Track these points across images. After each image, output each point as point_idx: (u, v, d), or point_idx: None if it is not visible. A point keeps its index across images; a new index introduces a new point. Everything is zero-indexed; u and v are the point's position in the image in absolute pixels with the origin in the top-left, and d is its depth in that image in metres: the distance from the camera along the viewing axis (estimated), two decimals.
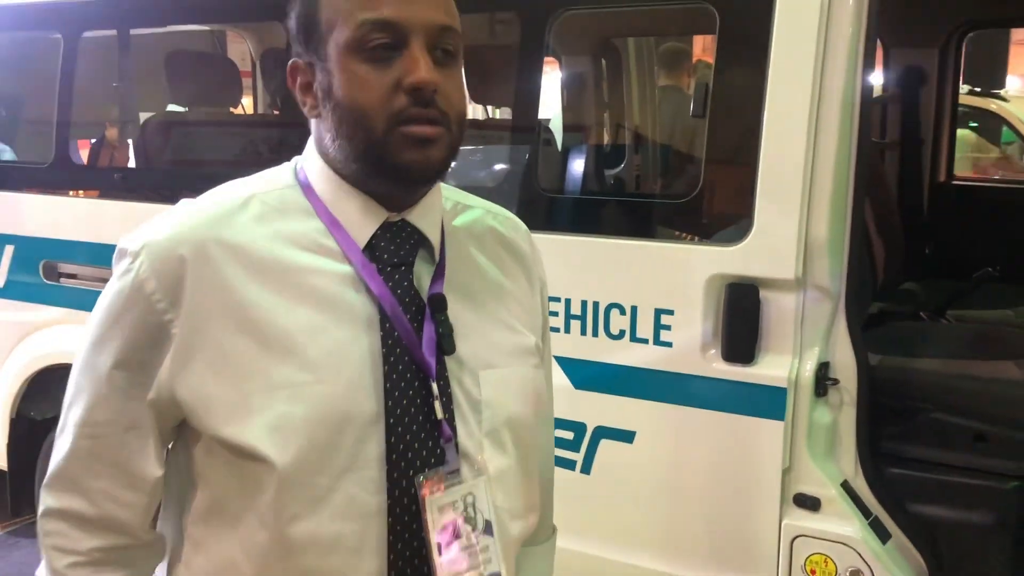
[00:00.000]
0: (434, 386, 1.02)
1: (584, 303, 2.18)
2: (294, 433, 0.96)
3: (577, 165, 2.83)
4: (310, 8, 1.00)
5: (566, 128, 3.34)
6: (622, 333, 2.15)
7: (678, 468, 2.14)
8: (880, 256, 3.06)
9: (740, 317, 2.01)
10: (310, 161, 1.06)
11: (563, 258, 2.22)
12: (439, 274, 1.07)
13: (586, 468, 2.23)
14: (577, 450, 2.23)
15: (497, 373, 1.08)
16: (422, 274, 1.06)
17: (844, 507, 2.01)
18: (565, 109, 3.45)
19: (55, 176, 3.19)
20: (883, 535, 2.03)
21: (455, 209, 1.15)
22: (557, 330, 2.21)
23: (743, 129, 2.02)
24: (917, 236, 3.48)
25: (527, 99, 2.34)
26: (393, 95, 0.95)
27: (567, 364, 2.21)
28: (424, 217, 1.07)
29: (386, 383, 1.00)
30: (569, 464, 2.24)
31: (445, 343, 1.03)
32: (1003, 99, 6.08)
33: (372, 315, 1.01)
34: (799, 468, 2.02)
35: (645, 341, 2.12)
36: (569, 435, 2.23)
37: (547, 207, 2.34)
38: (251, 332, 0.97)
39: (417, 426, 1.01)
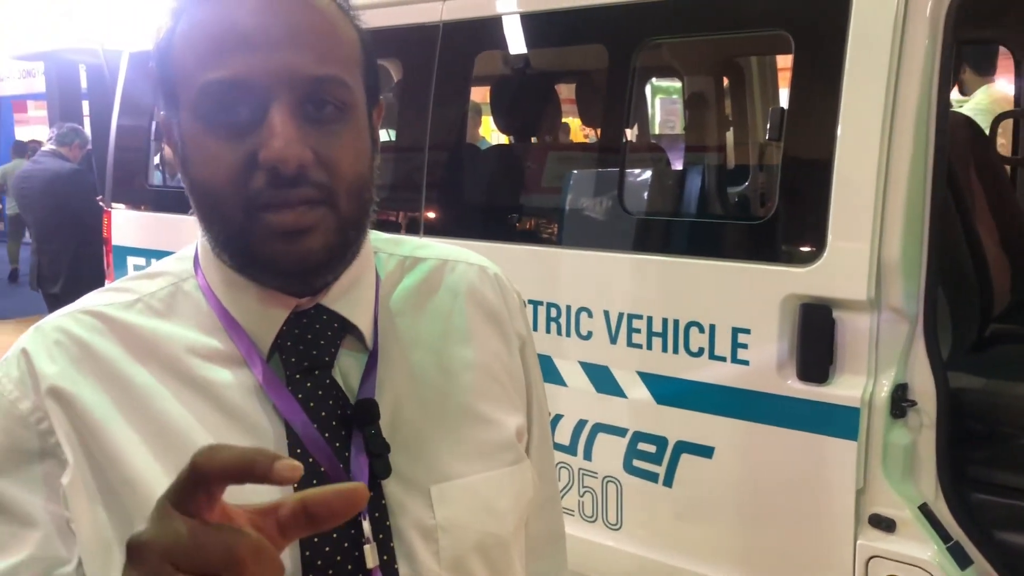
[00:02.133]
0: (365, 525, 0.79)
1: (665, 321, 2.26)
2: None
3: (659, 187, 2.90)
4: (164, 51, 0.80)
5: (651, 151, 3.40)
6: (701, 351, 2.21)
7: (755, 484, 2.17)
8: (1005, 277, 2.95)
9: (814, 337, 2.03)
10: (200, 243, 0.86)
11: (645, 277, 2.31)
12: (370, 369, 0.85)
13: (667, 481, 2.29)
14: (659, 463, 2.30)
15: (457, 485, 0.85)
16: (350, 372, 0.84)
17: (921, 530, 1.99)
18: (651, 133, 3.51)
19: None
20: (963, 561, 1.99)
21: (401, 267, 0.93)
22: (640, 346, 2.30)
23: (817, 150, 2.05)
24: None
25: (614, 123, 2.44)
26: (249, 174, 0.75)
27: (649, 379, 2.30)
28: (346, 296, 0.85)
29: None
30: (652, 477, 2.32)
31: (377, 465, 0.80)
32: None
33: (281, 437, 0.80)
34: (874, 489, 2.02)
35: (723, 359, 2.18)
36: (652, 448, 2.31)
37: (633, 229, 2.43)
38: (117, 487, 0.78)
39: None
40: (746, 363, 2.14)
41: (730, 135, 3.70)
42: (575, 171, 2.60)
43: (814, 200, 2.04)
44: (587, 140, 4.08)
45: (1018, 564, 2.00)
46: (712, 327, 2.18)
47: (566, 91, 3.36)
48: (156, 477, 0.77)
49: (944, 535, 2.00)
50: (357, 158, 0.79)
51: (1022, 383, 2.32)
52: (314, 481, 0.77)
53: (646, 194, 2.71)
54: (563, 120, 3.37)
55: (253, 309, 0.83)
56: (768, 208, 2.17)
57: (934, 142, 1.95)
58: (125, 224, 3.74)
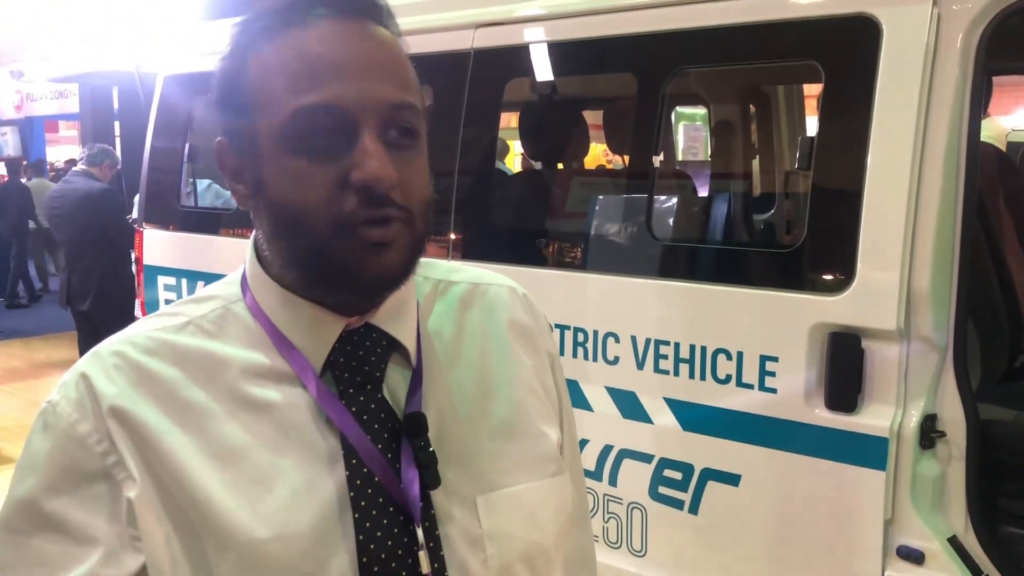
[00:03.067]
0: (418, 532, 0.83)
1: (692, 347, 2.26)
2: None
3: (688, 214, 2.91)
4: (234, 81, 0.83)
5: (679, 178, 3.41)
6: (728, 378, 2.21)
7: (781, 513, 2.16)
8: None
9: (842, 366, 2.03)
10: (250, 266, 0.90)
11: (673, 304, 2.31)
12: (416, 385, 0.88)
13: (693, 508, 2.29)
14: (685, 490, 2.30)
15: (502, 495, 0.88)
16: (398, 388, 0.88)
17: (950, 562, 1.98)
18: (680, 160, 3.53)
19: None
20: None
21: (435, 290, 0.98)
22: (666, 372, 2.30)
23: (847, 181, 2.05)
24: None
25: (643, 150, 2.45)
26: (340, 195, 0.78)
27: (676, 406, 2.30)
28: (394, 317, 0.89)
29: (358, 535, 0.81)
30: (678, 504, 2.31)
31: (427, 476, 0.84)
32: None
33: (335, 450, 0.83)
34: (903, 520, 2.01)
35: (750, 387, 2.17)
36: (678, 475, 2.31)
37: (660, 255, 2.43)
38: (182, 504, 0.81)
39: None
40: (774, 391, 2.14)
41: (756, 162, 3.71)
42: (602, 196, 2.62)
43: (844, 229, 2.04)
44: (611, 166, 4.10)
45: None
46: (740, 354, 2.18)
47: (592, 117, 3.38)
48: (219, 495, 0.80)
49: (974, 568, 1.98)
50: (426, 182, 0.84)
51: None
52: (369, 490, 0.82)
53: (674, 220, 2.72)
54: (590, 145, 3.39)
55: (307, 328, 0.86)
56: (797, 236, 2.17)
57: (964, 172, 1.95)
58: (156, 244, 3.79)
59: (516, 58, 2.71)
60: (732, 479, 2.22)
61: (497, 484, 0.89)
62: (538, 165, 3.29)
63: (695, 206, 3.05)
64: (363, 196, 0.78)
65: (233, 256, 3.45)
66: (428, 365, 0.91)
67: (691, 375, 2.27)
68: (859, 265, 2.01)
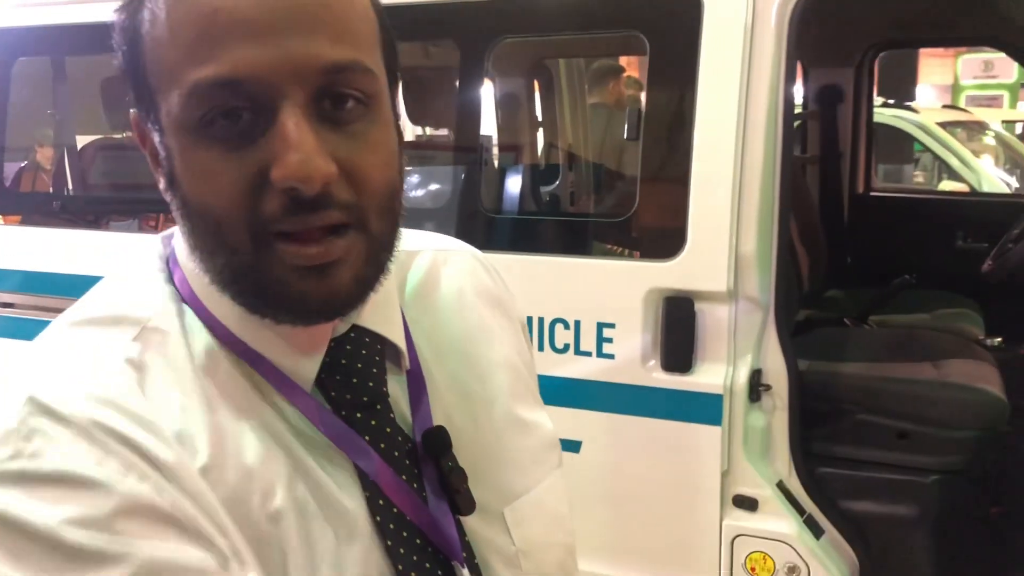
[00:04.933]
0: (464, 572, 0.71)
1: (530, 319, 2.27)
2: None
3: (519, 186, 2.92)
4: (130, 41, 0.64)
5: (514, 150, 3.42)
6: (567, 347, 2.23)
7: (623, 475, 2.23)
8: (804, 266, 3.22)
9: (677, 329, 2.11)
10: (188, 264, 0.69)
11: (510, 276, 2.30)
12: (419, 392, 0.74)
13: None
14: None
15: (526, 502, 0.78)
16: (398, 398, 0.74)
17: (780, 506, 2.12)
18: (509, 131, 3.54)
19: None
20: (817, 531, 2.14)
21: (402, 266, 0.81)
22: None
23: (675, 149, 2.13)
24: (838, 246, 3.66)
25: (469, 122, 2.42)
26: (259, 195, 0.60)
27: None
28: (382, 313, 0.74)
29: None
30: None
31: (461, 501, 0.71)
32: (914, 111, 6.37)
33: (354, 490, 0.68)
34: (737, 470, 2.13)
35: (588, 354, 2.21)
36: None
37: (491, 227, 2.42)
38: None
39: None
40: (612, 357, 2.19)
41: (586, 133, 3.77)
42: (429, 169, 2.56)
43: (674, 198, 2.11)
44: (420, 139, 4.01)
45: (859, 528, 2.18)
46: (577, 323, 2.21)
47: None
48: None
49: (799, 509, 2.14)
50: (387, 163, 0.65)
51: (845, 362, 2.53)
52: (405, 534, 0.68)
53: (506, 193, 2.71)
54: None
55: (285, 342, 0.68)
56: (630, 205, 2.23)
57: (781, 143, 2.08)
58: None
59: None
60: (573, 446, 2.25)
61: (518, 490, 0.78)
62: None
63: (527, 177, 3.06)
64: (288, 200, 0.59)
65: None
66: (423, 362, 0.77)
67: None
68: (689, 232, 2.09)
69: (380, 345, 0.73)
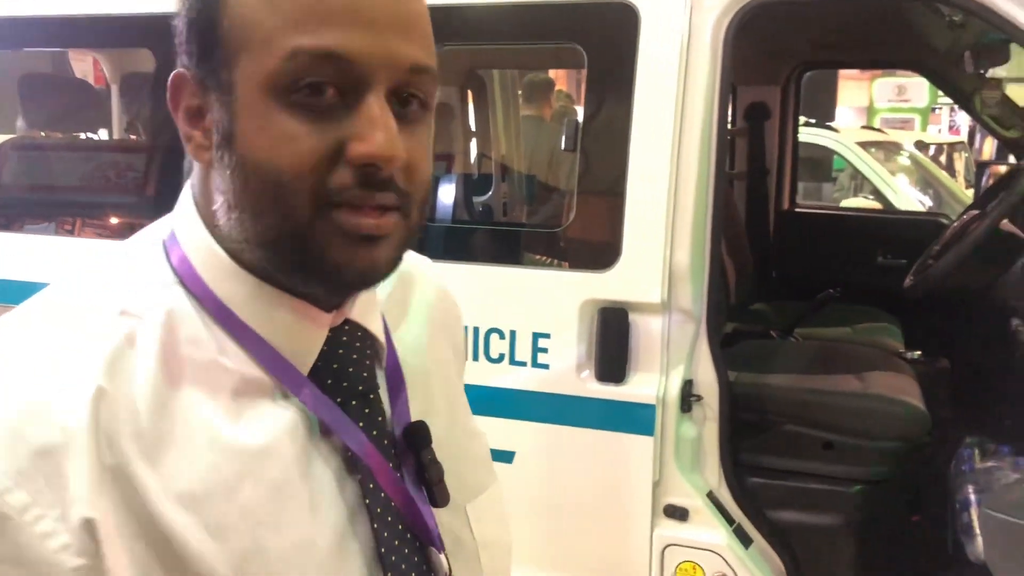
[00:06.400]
0: (443, 559, 0.74)
1: (465, 328, 2.24)
2: None
3: (453, 195, 2.91)
4: (208, 5, 0.66)
5: (449, 159, 3.41)
6: (501, 357, 2.23)
7: (555, 485, 2.23)
8: (732, 280, 3.27)
9: (611, 339, 2.12)
10: (192, 239, 0.71)
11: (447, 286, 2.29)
12: (398, 387, 0.77)
13: None
14: None
15: (484, 499, 0.83)
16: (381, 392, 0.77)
17: (710, 516, 2.15)
18: (443, 140, 3.52)
19: None
20: (745, 540, 2.17)
21: None
22: None
23: (611, 162, 2.14)
24: (764, 260, 3.74)
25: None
26: (330, 165, 0.63)
27: None
28: (369, 309, 0.77)
29: (387, 571, 0.71)
30: None
31: (438, 493, 0.75)
32: (834, 130, 6.55)
33: (341, 475, 0.71)
34: (668, 481, 2.15)
35: (523, 364, 2.21)
36: None
37: (426, 235, 2.40)
38: (173, 553, 0.63)
39: None
40: (546, 367, 2.19)
41: (520, 144, 3.77)
42: None
43: (610, 209, 2.13)
44: None
45: (786, 537, 2.22)
46: (513, 333, 2.21)
47: None
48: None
49: (729, 518, 2.17)
50: (430, 164, 0.71)
51: (772, 374, 2.57)
52: (389, 518, 0.72)
53: (440, 202, 2.70)
54: None
55: (289, 327, 0.70)
56: (566, 217, 2.24)
57: (715, 157, 2.11)
58: None
59: None
60: (506, 456, 2.24)
61: (477, 487, 0.83)
62: None
63: (460, 187, 3.04)
64: (360, 175, 0.63)
65: None
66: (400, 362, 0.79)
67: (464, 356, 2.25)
68: (625, 244, 2.10)
69: (370, 340, 0.76)
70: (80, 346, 0.63)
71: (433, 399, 0.82)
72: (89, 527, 0.59)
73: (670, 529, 2.15)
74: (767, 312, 3.52)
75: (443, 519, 0.76)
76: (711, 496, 2.17)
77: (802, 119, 5.01)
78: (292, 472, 0.68)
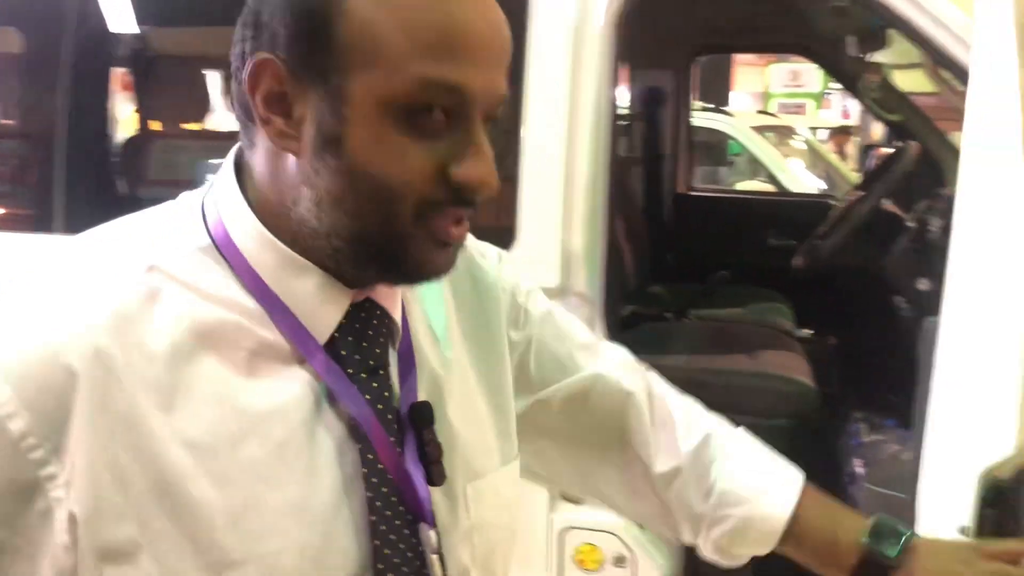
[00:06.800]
0: (432, 535, 0.77)
1: None
2: None
3: None
4: (323, 9, 0.68)
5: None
6: None
7: None
8: (628, 263, 3.31)
9: None
10: (236, 214, 0.74)
11: None
12: (408, 367, 0.80)
13: None
14: None
15: (487, 482, 0.85)
16: (392, 371, 0.80)
17: None
18: None
19: None
20: None
21: None
22: None
23: (504, 146, 2.13)
24: (660, 243, 3.79)
25: None
26: (433, 181, 0.70)
27: None
28: (390, 293, 0.80)
29: (374, 539, 0.74)
30: None
31: (434, 472, 0.77)
32: (729, 115, 6.69)
33: (343, 443, 0.74)
34: None
35: None
36: None
37: None
38: (172, 497, 0.68)
39: None
40: None
41: None
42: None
43: (504, 196, 2.11)
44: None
45: None
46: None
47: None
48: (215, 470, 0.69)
49: None
50: None
51: (668, 355, 2.61)
52: (384, 489, 0.75)
53: None
54: None
55: (312, 297, 0.74)
56: None
57: (608, 140, 2.12)
58: None
59: None
60: None
61: (481, 470, 0.84)
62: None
63: None
64: (456, 193, 0.70)
65: None
66: (413, 341, 0.82)
67: None
68: (519, 228, 2.10)
69: (387, 320, 0.79)
70: (103, 295, 0.68)
71: (452, 380, 0.84)
72: (77, 466, 0.65)
73: (568, 512, 2.16)
74: (663, 294, 3.57)
75: (437, 498, 0.79)
76: None
77: (698, 104, 5.11)
78: (297, 434, 0.72)
